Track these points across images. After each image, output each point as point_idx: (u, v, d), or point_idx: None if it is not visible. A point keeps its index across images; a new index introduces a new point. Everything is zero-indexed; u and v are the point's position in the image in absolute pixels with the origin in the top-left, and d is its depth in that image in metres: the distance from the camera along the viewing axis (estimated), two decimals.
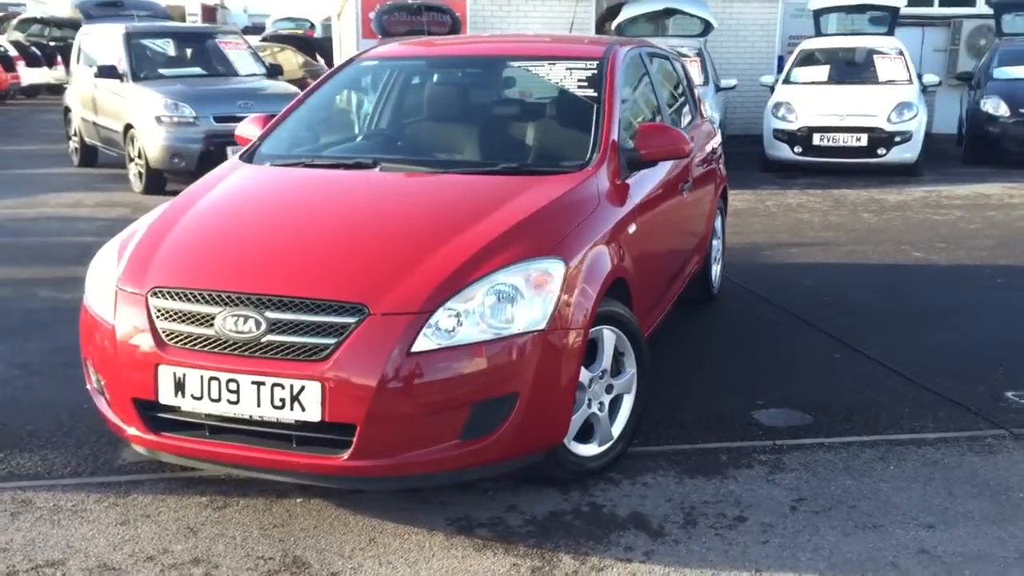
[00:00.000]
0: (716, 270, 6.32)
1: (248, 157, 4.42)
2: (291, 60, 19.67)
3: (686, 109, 5.81)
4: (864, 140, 11.73)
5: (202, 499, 3.58)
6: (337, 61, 22.99)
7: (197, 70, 11.81)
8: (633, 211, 4.08)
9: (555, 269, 3.35)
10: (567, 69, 4.56)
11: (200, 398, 3.21)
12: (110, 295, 3.47)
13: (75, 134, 12.77)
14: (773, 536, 3.34)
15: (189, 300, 3.28)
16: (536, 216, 3.56)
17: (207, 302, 3.25)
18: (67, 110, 13.04)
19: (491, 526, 3.40)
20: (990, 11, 15.81)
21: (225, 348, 3.19)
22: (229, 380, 3.16)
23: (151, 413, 3.34)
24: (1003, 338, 5.60)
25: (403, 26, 13.81)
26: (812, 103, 12.06)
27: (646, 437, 4.05)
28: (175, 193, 4.73)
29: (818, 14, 14.44)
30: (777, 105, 12.18)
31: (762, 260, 7.67)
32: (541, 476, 3.65)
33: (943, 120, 15.94)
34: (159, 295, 3.34)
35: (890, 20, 14.30)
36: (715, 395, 4.65)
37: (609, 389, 3.74)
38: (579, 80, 4.47)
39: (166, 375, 3.24)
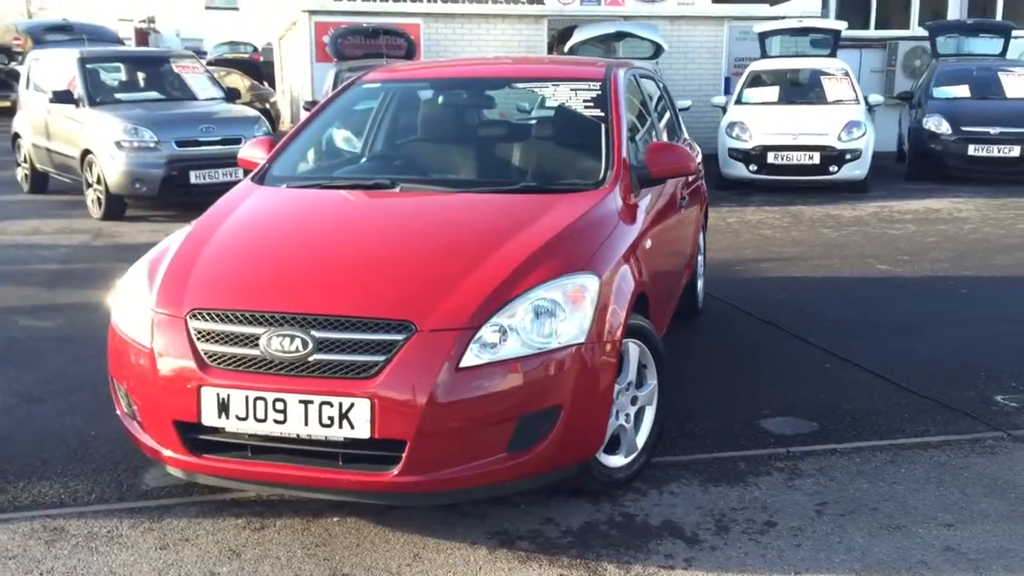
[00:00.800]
0: (700, 284, 6.47)
1: (259, 179, 4.43)
2: (238, 84, 19.55)
3: (673, 127, 5.97)
4: (816, 158, 12.06)
5: (238, 521, 3.57)
6: (280, 85, 22.90)
7: (154, 94, 11.69)
8: (646, 227, 4.19)
9: (590, 284, 3.44)
10: (572, 90, 4.66)
11: (245, 418, 3.22)
12: (144, 318, 3.46)
13: (25, 160, 12.53)
14: (804, 539, 3.45)
15: (231, 321, 3.29)
16: (565, 233, 3.65)
17: (250, 323, 3.26)
18: (16, 136, 12.79)
19: (531, 538, 3.45)
20: (925, 33, 16.40)
21: (270, 368, 3.21)
22: (276, 400, 3.18)
23: (192, 435, 3.33)
24: (978, 345, 5.82)
25: (359, 49, 13.87)
26: (765, 123, 12.37)
27: (663, 448, 4.14)
28: (136, 219, 4.71)
29: (763, 36, 14.83)
30: (731, 125, 12.46)
31: (735, 275, 7.86)
32: (569, 488, 3.71)
33: (882, 138, 16.40)
34: (198, 317, 3.34)
35: (832, 42, 14.74)
36: (718, 406, 4.76)
37: (634, 401, 3.82)
38: (585, 100, 4.58)
39: (209, 397, 3.24)
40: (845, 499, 3.75)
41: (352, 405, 3.12)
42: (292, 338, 3.19)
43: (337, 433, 3.15)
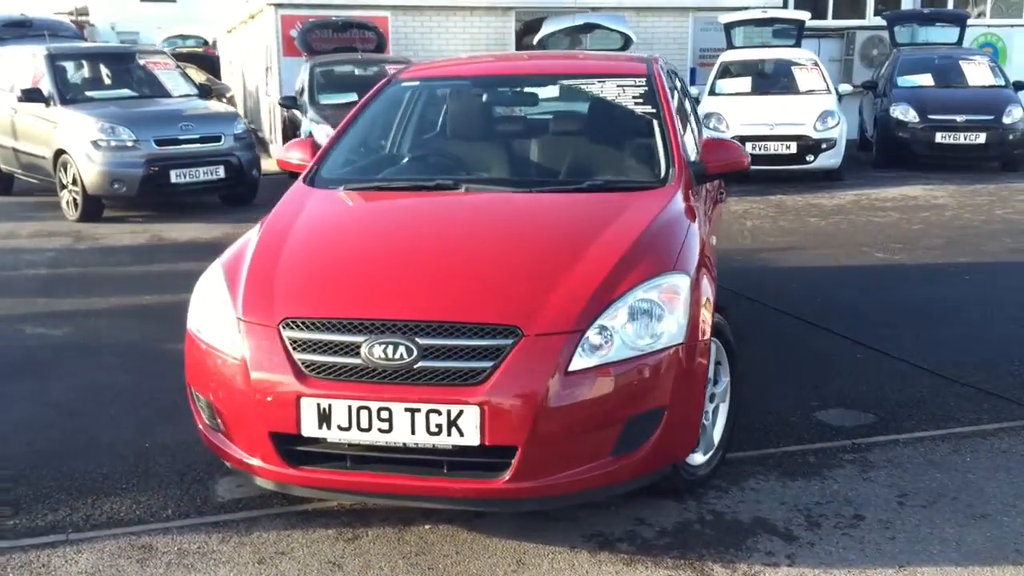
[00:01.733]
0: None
1: (310, 182, 4.34)
2: (194, 79, 19.11)
3: (697, 120, 5.99)
4: (793, 148, 12.21)
5: (328, 531, 3.51)
6: (227, 79, 22.45)
7: (126, 92, 11.40)
8: (707, 224, 4.20)
9: (683, 284, 3.43)
10: (618, 86, 4.65)
11: (348, 428, 3.15)
12: (230, 327, 3.38)
13: None
14: (896, 532, 3.49)
15: (328, 330, 3.22)
16: (647, 233, 3.63)
17: (349, 331, 3.20)
18: None
19: (628, 540, 3.44)
20: (882, 23, 16.69)
21: (373, 376, 3.14)
22: (380, 408, 3.12)
23: (288, 447, 3.26)
24: (997, 331, 5.95)
25: (329, 43, 13.69)
26: (741, 113, 12.47)
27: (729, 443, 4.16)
28: (114, 220, 4.59)
29: (729, 27, 14.96)
30: (707, 116, 12.54)
31: (739, 266, 7.91)
32: (651, 488, 3.70)
33: None
34: (292, 326, 3.26)
35: (797, 33, 14.92)
36: (766, 399, 4.79)
37: (711, 398, 3.83)
38: (634, 97, 4.57)
39: (309, 407, 3.17)
40: (923, 490, 3.80)
41: (461, 412, 3.08)
42: (396, 346, 3.13)
43: (445, 441, 3.11)
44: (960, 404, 4.71)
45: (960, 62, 14.34)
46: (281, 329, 3.27)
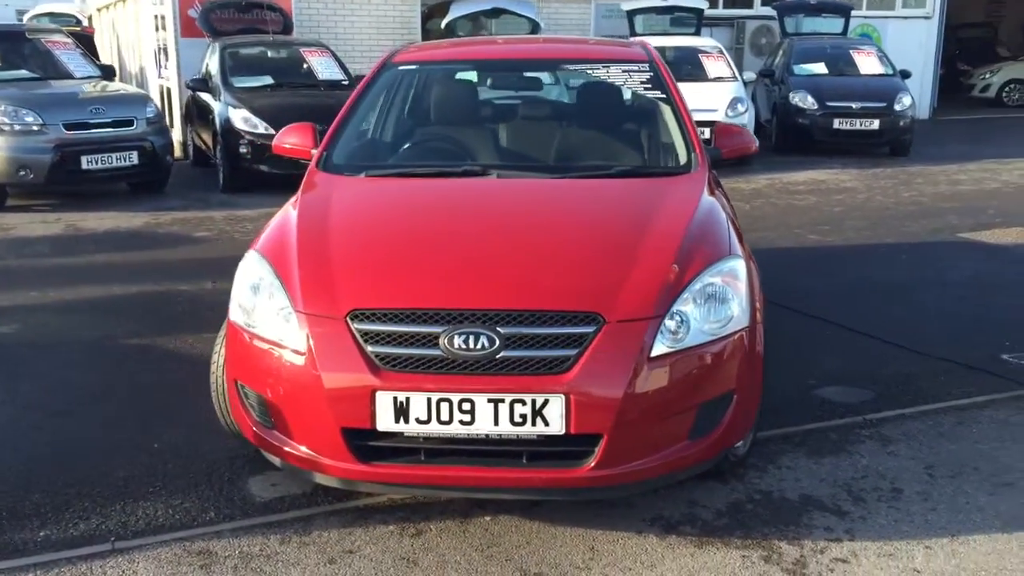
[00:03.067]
0: None
1: (324, 168, 4.21)
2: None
3: None
4: (707, 134, 12.45)
5: (389, 527, 3.42)
6: (106, 58, 21.43)
7: (23, 73, 10.75)
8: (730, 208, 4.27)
9: (740, 268, 3.48)
10: (624, 71, 4.67)
11: (427, 421, 3.07)
12: (289, 321, 3.24)
13: None
14: (936, 503, 3.64)
15: (403, 321, 3.13)
16: (697, 220, 3.66)
17: (427, 322, 3.11)
18: None
19: (690, 522, 3.48)
20: (771, 12, 17.24)
21: (453, 368, 3.07)
22: (462, 400, 3.05)
23: (359, 442, 3.16)
24: (949, 308, 6.26)
25: (232, 24, 13.21)
26: None
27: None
28: (19, 210, 4.37)
29: (631, 14, 15.18)
30: None
31: None
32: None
33: None
34: (362, 318, 3.15)
35: (696, 21, 15.27)
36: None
37: None
38: (642, 82, 4.60)
39: (385, 401, 3.08)
40: (945, 461, 3.97)
41: (546, 401, 3.04)
42: (477, 336, 3.07)
43: (530, 431, 3.06)
44: (948, 378, 4.93)
45: (851, 52, 14.95)
46: (349, 321, 3.16)
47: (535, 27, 14.50)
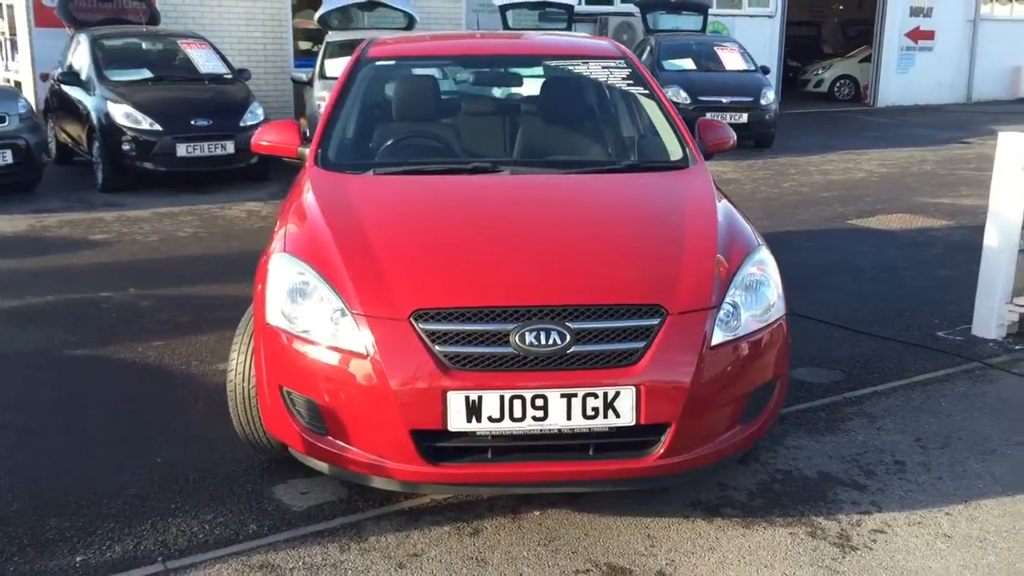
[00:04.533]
0: None
1: (324, 166, 4.11)
2: None
3: None
4: None
5: (444, 528, 3.39)
6: None
7: None
8: None
9: (770, 258, 3.63)
10: (603, 68, 4.74)
11: (499, 419, 3.06)
12: (344, 324, 3.15)
13: None
14: (940, 472, 3.89)
15: (471, 320, 3.10)
16: (721, 212, 3.78)
17: (495, 319, 3.10)
18: None
19: (728, 504, 3.61)
20: (633, 9, 17.73)
21: (525, 364, 3.08)
22: (535, 396, 3.06)
23: (428, 444, 3.12)
24: (869, 290, 6.65)
25: (95, 14, 12.54)
26: None
27: None
28: None
29: (504, 9, 15.31)
30: None
31: None
32: None
33: None
34: (427, 318, 3.11)
35: (567, 17, 15.55)
36: None
37: None
38: (623, 78, 4.68)
39: (457, 401, 3.05)
40: (930, 434, 4.25)
41: (617, 394, 3.08)
42: (548, 332, 3.08)
43: (602, 423, 3.10)
44: (900, 357, 5.25)
45: (715, 48, 15.55)
46: (414, 322, 3.11)
47: (411, 21, 14.39)
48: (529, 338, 3.07)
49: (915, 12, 22.99)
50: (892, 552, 3.30)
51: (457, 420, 3.06)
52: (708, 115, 13.77)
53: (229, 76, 11.35)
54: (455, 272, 3.29)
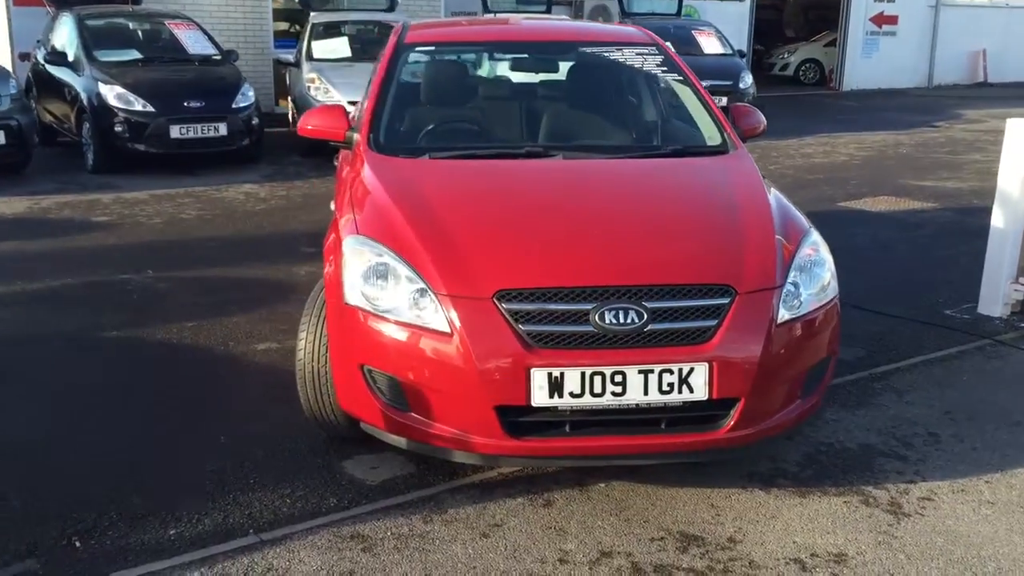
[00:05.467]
0: None
1: (379, 151, 4.21)
2: None
3: None
4: None
5: (518, 500, 3.52)
6: None
7: None
8: None
9: (821, 240, 3.79)
10: (637, 54, 4.87)
11: (580, 395, 3.20)
12: (427, 305, 3.27)
13: None
14: (973, 443, 4.09)
15: (552, 299, 3.23)
16: (772, 195, 3.95)
17: (575, 299, 3.23)
18: None
19: (781, 475, 3.78)
20: None
21: (604, 342, 3.22)
22: (615, 373, 3.20)
23: (511, 419, 3.25)
24: (871, 270, 6.85)
25: None
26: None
27: None
28: None
29: None
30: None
31: None
32: None
33: None
34: (509, 298, 3.23)
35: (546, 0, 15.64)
36: None
37: None
38: (657, 64, 4.82)
39: (540, 377, 3.18)
40: (956, 407, 4.45)
41: (692, 370, 3.23)
42: (626, 311, 3.22)
43: (676, 398, 3.25)
44: (913, 335, 5.47)
45: (693, 32, 15.73)
46: (497, 302, 3.23)
47: (392, 3, 14.39)
48: (608, 317, 3.21)
49: None
50: (942, 518, 3.49)
51: (540, 396, 3.19)
52: None
53: (218, 57, 11.31)
54: (534, 253, 3.42)
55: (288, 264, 6.82)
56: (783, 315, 3.40)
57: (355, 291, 3.44)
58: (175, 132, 10.05)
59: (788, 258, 3.53)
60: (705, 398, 3.26)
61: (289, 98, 13.46)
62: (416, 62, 4.78)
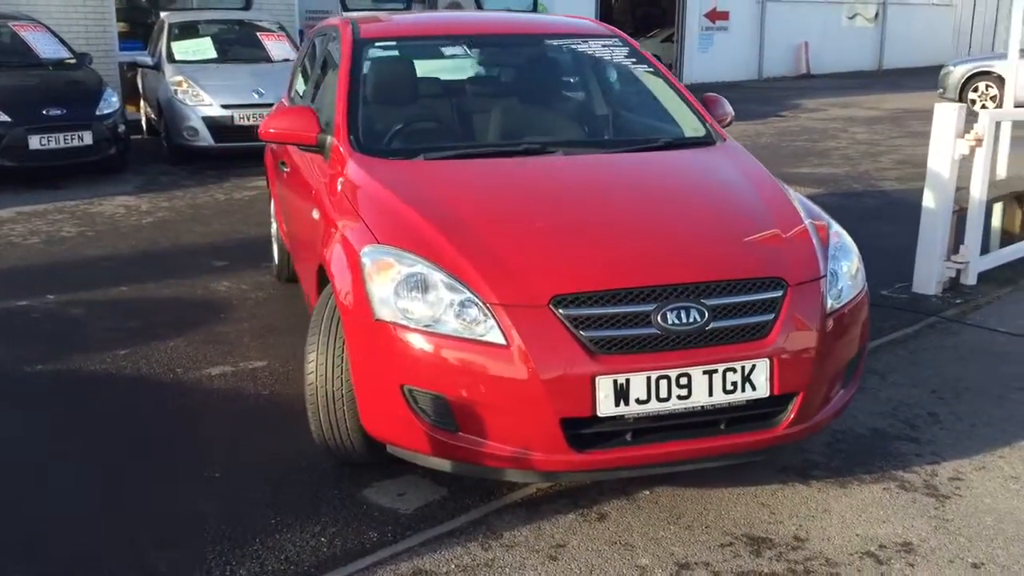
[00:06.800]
0: None
1: (365, 152, 3.91)
2: None
3: None
4: None
5: (568, 516, 3.33)
6: None
7: None
8: None
9: (839, 229, 3.76)
10: (604, 46, 4.74)
11: (646, 400, 3.04)
12: (475, 315, 3.03)
13: None
14: (973, 420, 4.17)
15: (611, 302, 3.05)
16: (781, 185, 3.89)
17: (634, 300, 3.06)
18: None
19: (814, 467, 3.73)
20: None
21: (667, 344, 3.07)
22: (680, 375, 3.05)
23: (574, 431, 3.05)
24: None
25: None
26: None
27: None
28: None
29: None
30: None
31: None
32: None
33: None
34: (566, 304, 3.03)
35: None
36: None
37: None
38: (626, 56, 4.70)
39: (605, 385, 2.99)
40: (939, 386, 4.54)
41: (753, 367, 3.13)
42: (688, 310, 3.08)
43: (739, 397, 3.13)
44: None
45: None
46: (554, 308, 3.03)
47: (248, 1, 13.79)
48: (671, 317, 3.06)
49: None
50: (980, 496, 3.53)
51: (606, 405, 3.01)
52: None
53: (72, 61, 10.51)
54: (586, 255, 3.22)
55: (203, 280, 6.35)
56: (831, 305, 3.34)
57: (387, 306, 3.15)
58: (35, 143, 9.26)
59: (825, 247, 3.48)
60: (767, 395, 3.16)
61: (142, 103, 12.70)
62: (379, 58, 4.48)
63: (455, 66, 4.78)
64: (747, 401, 3.16)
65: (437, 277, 3.12)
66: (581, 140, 4.32)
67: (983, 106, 16.26)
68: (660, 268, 3.17)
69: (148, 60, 11.71)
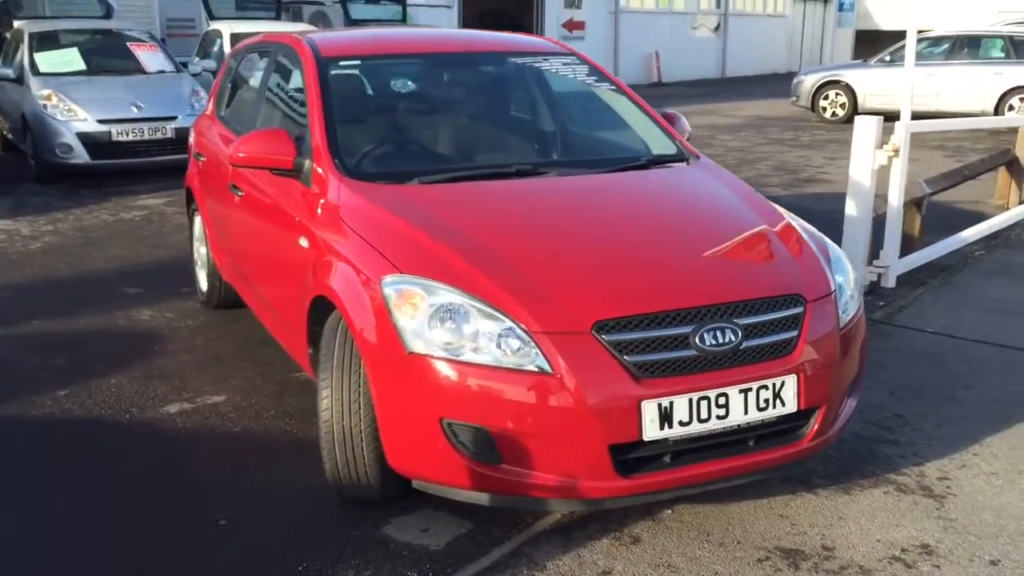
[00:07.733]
0: None
1: (355, 177, 3.78)
2: None
3: None
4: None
5: (604, 541, 3.31)
6: None
7: None
8: None
9: (831, 241, 3.88)
10: (565, 64, 4.74)
11: (688, 422, 3.05)
12: (516, 344, 2.96)
13: None
14: (936, 420, 4.36)
15: (651, 326, 3.05)
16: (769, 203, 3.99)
17: (673, 323, 3.07)
18: None
19: (814, 476, 3.82)
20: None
21: (705, 365, 3.09)
22: (719, 395, 3.08)
23: (620, 457, 3.03)
24: None
25: None
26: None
27: None
28: None
29: None
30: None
31: None
32: None
33: None
34: (608, 329, 3.01)
35: (276, 5, 14.98)
36: None
37: None
38: (587, 74, 4.72)
39: (650, 409, 2.99)
40: (896, 388, 4.72)
41: (783, 383, 3.18)
42: (723, 330, 3.11)
43: (771, 414, 3.18)
44: None
45: None
46: (596, 334, 3.00)
47: (109, 10, 13.13)
48: (708, 339, 3.09)
49: (568, 3, 24.67)
50: (971, 494, 3.70)
51: (652, 429, 3.01)
52: None
53: None
54: (622, 278, 3.20)
55: (121, 310, 5.99)
56: (843, 318, 3.44)
57: (420, 338, 3.05)
58: None
59: (828, 262, 3.58)
60: (795, 410, 3.23)
61: None
62: (345, 76, 4.33)
63: (418, 87, 4.67)
64: (777, 417, 3.21)
65: (472, 306, 3.04)
66: (569, 160, 4.31)
67: (833, 113, 17.17)
68: (696, 289, 3.19)
69: (9, 72, 10.97)
